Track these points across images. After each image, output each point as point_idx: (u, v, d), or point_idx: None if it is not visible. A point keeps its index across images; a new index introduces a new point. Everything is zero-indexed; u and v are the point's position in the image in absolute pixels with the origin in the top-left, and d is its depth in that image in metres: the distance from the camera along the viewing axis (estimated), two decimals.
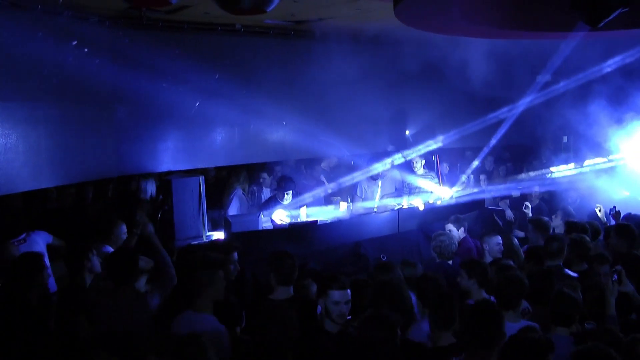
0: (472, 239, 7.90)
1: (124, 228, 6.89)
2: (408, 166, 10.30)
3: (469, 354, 4.15)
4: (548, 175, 10.78)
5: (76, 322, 5.09)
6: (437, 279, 5.46)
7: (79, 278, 5.66)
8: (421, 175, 10.15)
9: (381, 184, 9.75)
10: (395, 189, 9.99)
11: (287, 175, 9.42)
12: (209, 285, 4.70)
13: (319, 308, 4.95)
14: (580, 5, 6.57)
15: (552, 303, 4.89)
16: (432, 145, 10.64)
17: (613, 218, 8.27)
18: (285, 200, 8.81)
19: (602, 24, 6.51)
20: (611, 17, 6.42)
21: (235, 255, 6.00)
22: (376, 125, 10.98)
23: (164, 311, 5.19)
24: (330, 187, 9.96)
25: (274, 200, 8.93)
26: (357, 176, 9.91)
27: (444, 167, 11.62)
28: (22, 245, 6.79)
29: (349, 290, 4.69)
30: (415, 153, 10.19)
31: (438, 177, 10.48)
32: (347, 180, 9.96)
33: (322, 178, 10.65)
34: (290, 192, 8.84)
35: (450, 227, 7.81)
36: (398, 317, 4.18)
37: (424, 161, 10.37)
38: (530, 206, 9.16)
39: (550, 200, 10.08)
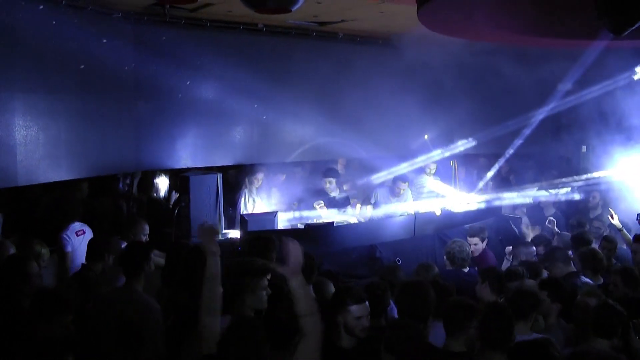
0: (489, 250, 7.84)
1: (146, 228, 6.92)
2: (422, 170, 10.32)
3: (479, 355, 4.13)
4: (565, 185, 10.69)
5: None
6: (447, 287, 5.40)
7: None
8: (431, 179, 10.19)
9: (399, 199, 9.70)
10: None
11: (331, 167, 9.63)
12: (251, 293, 4.41)
13: None
14: (605, 13, 6.53)
15: (594, 314, 4.77)
16: (456, 149, 10.65)
17: None
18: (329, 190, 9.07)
19: (626, 32, 6.47)
20: (635, 26, 6.37)
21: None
22: (396, 128, 10.95)
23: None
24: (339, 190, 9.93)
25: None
26: (376, 180, 9.92)
27: (461, 173, 11.58)
28: (83, 237, 6.96)
29: (367, 302, 4.38)
30: (434, 157, 10.20)
31: (455, 183, 10.46)
32: (363, 182, 9.95)
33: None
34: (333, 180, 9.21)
35: (475, 240, 7.70)
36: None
37: (436, 166, 10.38)
38: (555, 221, 9.02)
39: (567, 210, 10.01)
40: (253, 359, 3.44)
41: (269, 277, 4.45)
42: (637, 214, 8.25)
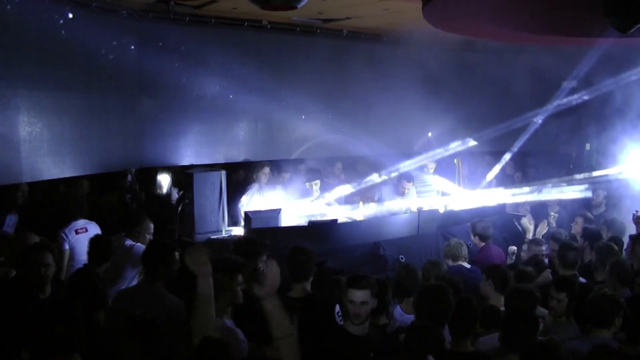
0: (494, 246, 7.83)
1: (151, 227, 6.91)
2: (421, 169, 10.32)
3: (497, 355, 4.15)
4: (570, 182, 10.65)
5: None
6: (456, 283, 5.39)
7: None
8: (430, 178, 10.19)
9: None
10: None
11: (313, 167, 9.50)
12: (227, 290, 4.43)
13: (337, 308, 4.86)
14: (612, 11, 6.51)
15: (590, 305, 4.77)
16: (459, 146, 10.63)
17: (635, 223, 8.14)
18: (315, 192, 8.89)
19: (632, 30, 6.45)
20: None
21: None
22: (400, 126, 10.94)
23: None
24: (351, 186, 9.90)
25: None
26: (380, 178, 9.88)
27: (464, 170, 11.55)
28: (84, 234, 6.92)
29: (368, 292, 4.44)
30: (438, 155, 10.18)
31: (459, 181, 10.44)
32: (368, 180, 9.92)
33: (343, 177, 10.61)
34: (319, 182, 8.99)
35: (475, 240, 7.73)
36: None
37: (435, 165, 10.36)
38: (557, 216, 8.98)
39: (570, 208, 9.97)
40: None
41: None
42: (633, 214, 8.22)
